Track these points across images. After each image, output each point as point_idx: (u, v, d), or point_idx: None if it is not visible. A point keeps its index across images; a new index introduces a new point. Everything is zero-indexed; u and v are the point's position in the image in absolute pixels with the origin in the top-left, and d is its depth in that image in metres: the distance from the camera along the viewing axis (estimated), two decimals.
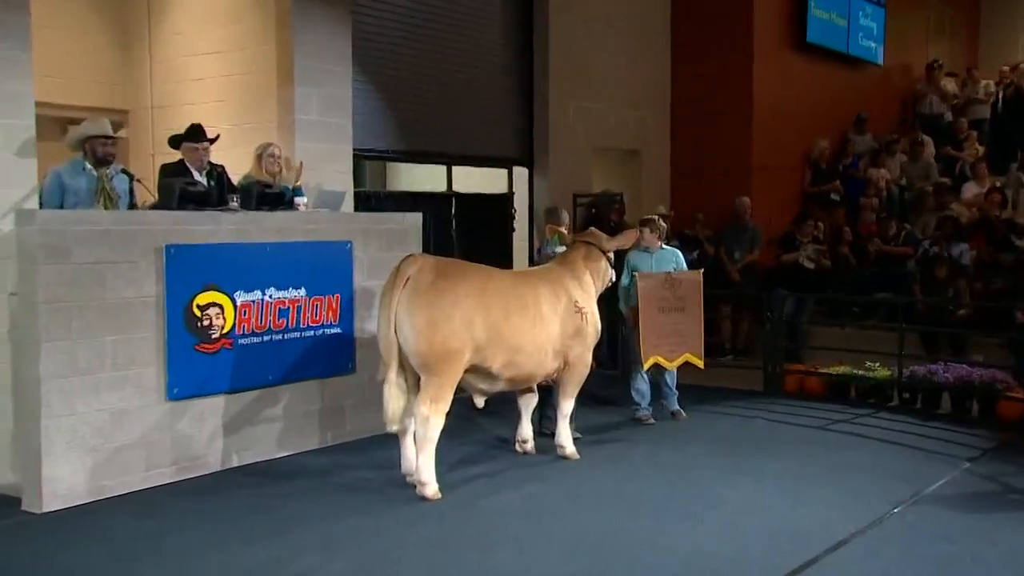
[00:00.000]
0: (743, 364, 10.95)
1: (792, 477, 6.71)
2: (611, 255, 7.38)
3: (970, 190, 12.82)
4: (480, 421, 8.10)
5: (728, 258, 12.00)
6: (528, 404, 7.19)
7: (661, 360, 8.19)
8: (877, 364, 9.45)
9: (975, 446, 7.62)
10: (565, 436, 7.14)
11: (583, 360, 6.96)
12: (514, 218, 11.28)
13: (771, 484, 6.54)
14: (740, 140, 12.99)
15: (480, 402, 6.71)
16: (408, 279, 6.02)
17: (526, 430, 7.23)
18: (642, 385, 8.42)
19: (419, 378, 6.13)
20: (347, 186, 8.85)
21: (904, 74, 16.35)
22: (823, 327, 11.32)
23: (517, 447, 7.24)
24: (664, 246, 8.53)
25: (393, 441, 6.57)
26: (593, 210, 11.75)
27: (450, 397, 6.11)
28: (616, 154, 12.91)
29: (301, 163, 7.96)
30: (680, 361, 8.26)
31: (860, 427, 8.33)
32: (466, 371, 6.23)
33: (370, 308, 7.57)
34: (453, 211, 10.35)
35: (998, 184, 12.60)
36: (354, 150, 9.16)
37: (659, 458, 7.23)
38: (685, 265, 8.54)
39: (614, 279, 7.55)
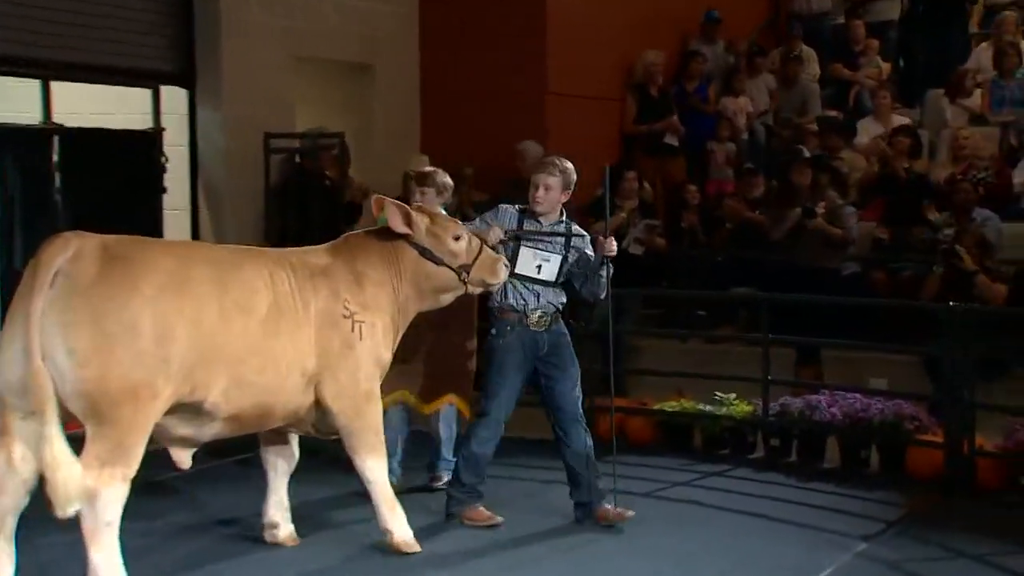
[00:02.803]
0: (531, 400, 10.98)
1: (602, 571, 6.79)
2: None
3: (868, 130, 13.44)
4: (191, 489, 8.04)
5: None
6: (281, 467, 7.24)
7: (407, 398, 8.21)
8: (733, 396, 9.69)
9: (873, 517, 7.93)
10: (390, 515, 7.03)
11: (366, 393, 6.95)
12: (165, 170, 11.12)
13: None
14: (528, 53, 13.17)
15: (185, 459, 6.65)
16: (58, 274, 5.87)
17: (273, 510, 7.25)
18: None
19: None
20: None
21: None
22: (654, 339, 11.52)
23: (266, 536, 7.26)
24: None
25: None
26: (298, 158, 11.65)
27: (137, 456, 5.98)
28: (335, 70, 12.95)
29: None
30: (437, 405, 8.28)
31: (707, 491, 8.56)
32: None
33: None
34: (55, 157, 10.20)
35: (909, 122, 13.23)
36: None
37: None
38: None
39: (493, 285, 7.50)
